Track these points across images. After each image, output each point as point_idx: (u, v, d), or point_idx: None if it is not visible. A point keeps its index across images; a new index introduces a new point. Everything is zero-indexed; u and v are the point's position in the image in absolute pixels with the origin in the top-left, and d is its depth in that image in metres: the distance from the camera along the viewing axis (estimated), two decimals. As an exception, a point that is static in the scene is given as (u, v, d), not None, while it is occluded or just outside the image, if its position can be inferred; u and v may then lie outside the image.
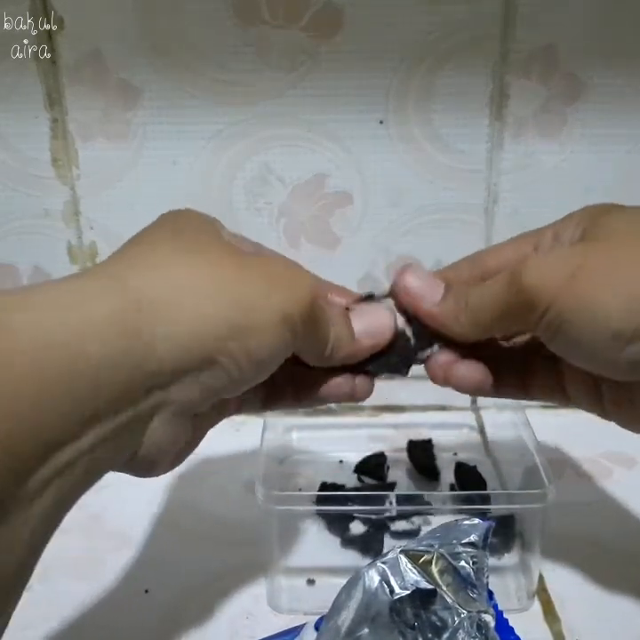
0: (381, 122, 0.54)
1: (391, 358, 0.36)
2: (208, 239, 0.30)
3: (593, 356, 0.31)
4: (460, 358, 0.35)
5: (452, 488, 0.51)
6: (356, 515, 0.46)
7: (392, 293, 0.36)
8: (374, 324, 0.35)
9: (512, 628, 0.33)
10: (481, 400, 0.60)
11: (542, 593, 0.43)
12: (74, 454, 0.23)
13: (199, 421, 0.30)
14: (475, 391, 0.36)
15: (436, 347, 0.36)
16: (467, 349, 0.36)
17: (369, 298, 0.37)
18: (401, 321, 0.36)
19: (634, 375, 0.31)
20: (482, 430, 0.58)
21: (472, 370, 0.35)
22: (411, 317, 0.36)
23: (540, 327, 0.31)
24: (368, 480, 0.52)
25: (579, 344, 0.30)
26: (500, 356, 0.37)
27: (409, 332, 0.36)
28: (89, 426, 0.24)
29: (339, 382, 0.35)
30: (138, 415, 0.26)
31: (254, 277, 0.29)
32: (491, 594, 0.33)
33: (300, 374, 0.35)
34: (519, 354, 0.37)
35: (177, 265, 0.28)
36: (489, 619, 0.31)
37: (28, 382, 0.22)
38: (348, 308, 0.35)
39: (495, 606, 0.33)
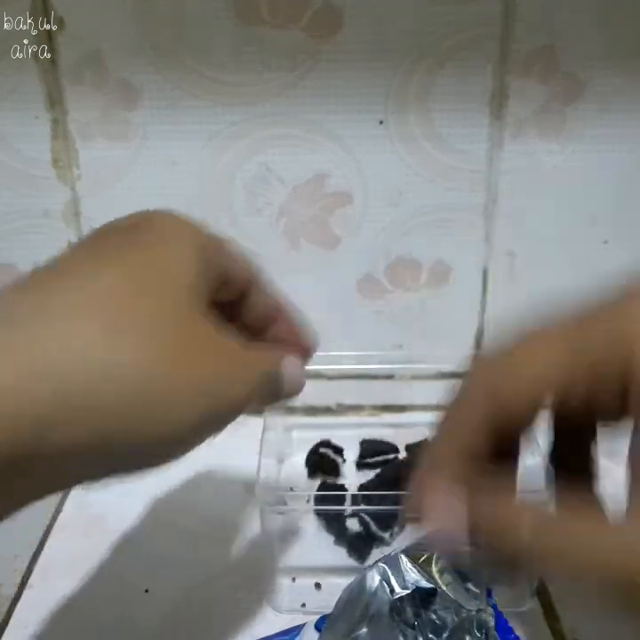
0: (381, 122, 0.54)
1: None
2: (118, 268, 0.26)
3: None
4: None
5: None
6: (354, 514, 0.46)
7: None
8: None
9: (511, 628, 0.33)
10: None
11: (542, 593, 0.43)
12: None
13: None
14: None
15: None
16: None
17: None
18: None
19: None
20: (482, 430, 0.58)
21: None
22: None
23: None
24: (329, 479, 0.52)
25: None
26: None
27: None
28: None
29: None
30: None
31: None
32: (490, 593, 0.33)
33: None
34: None
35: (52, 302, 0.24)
36: (489, 618, 0.31)
37: None
38: None
39: (494, 606, 0.33)
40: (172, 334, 0.24)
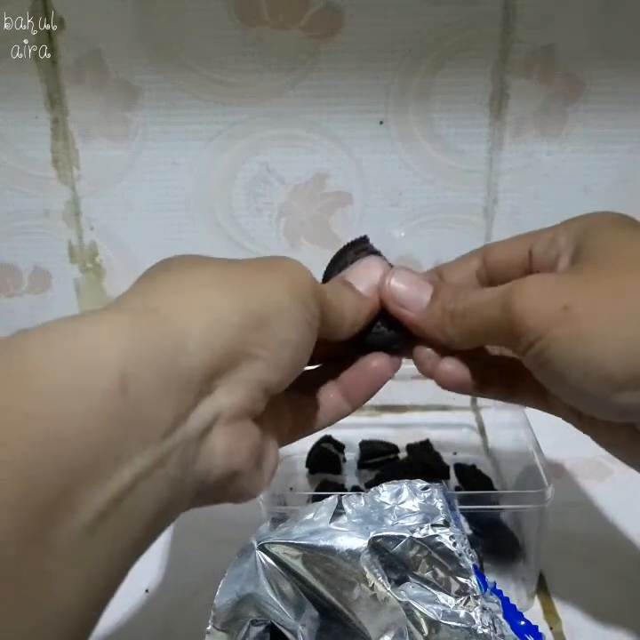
0: (381, 122, 0.54)
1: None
2: (208, 261, 0.30)
3: (580, 396, 0.29)
4: (445, 355, 0.35)
5: (457, 488, 0.51)
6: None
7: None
8: (372, 277, 0.35)
9: (521, 613, 0.33)
10: (481, 400, 0.60)
11: (542, 593, 0.43)
12: (125, 483, 0.22)
13: (265, 433, 0.30)
14: (457, 389, 0.36)
15: None
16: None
17: (362, 241, 0.37)
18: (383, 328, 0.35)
19: (621, 418, 0.30)
20: (482, 430, 0.58)
21: (456, 368, 0.35)
22: (394, 320, 0.35)
23: (526, 356, 0.30)
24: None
25: (565, 381, 0.29)
26: (486, 357, 0.36)
27: (391, 335, 0.35)
28: (134, 447, 0.22)
29: (378, 362, 0.35)
30: (193, 431, 0.25)
31: (257, 273, 0.29)
32: (494, 584, 0.33)
33: (341, 380, 0.35)
34: (506, 357, 0.36)
35: (183, 283, 0.28)
36: (496, 607, 0.31)
37: (38, 411, 0.20)
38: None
39: (500, 593, 0.33)
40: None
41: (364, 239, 0.38)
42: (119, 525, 0.22)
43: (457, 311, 0.33)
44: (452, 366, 0.35)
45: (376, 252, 0.37)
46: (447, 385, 0.35)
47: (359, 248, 0.37)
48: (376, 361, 0.35)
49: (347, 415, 0.36)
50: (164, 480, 0.23)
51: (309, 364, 0.32)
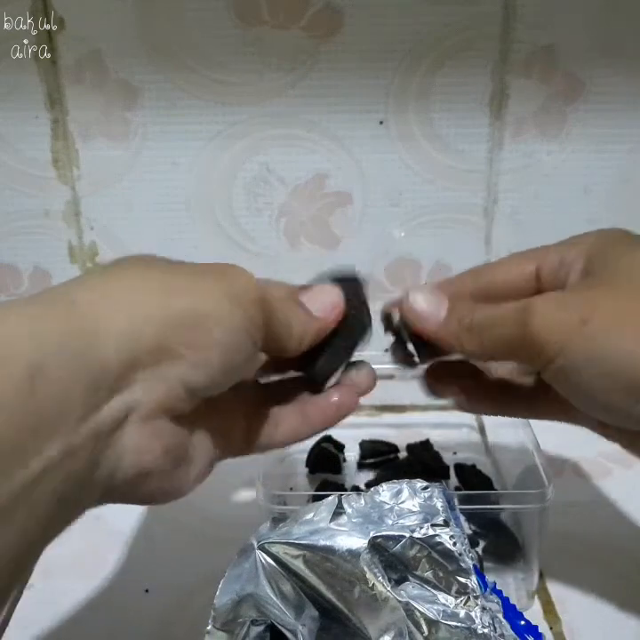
0: (381, 122, 0.54)
1: (352, 329, 0.35)
2: (142, 257, 0.30)
3: (602, 406, 0.30)
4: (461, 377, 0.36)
5: (457, 488, 0.51)
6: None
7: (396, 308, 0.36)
8: (325, 301, 0.34)
9: (521, 613, 0.33)
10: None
11: (542, 593, 0.43)
12: (32, 476, 0.22)
13: (198, 439, 0.30)
14: (478, 411, 0.37)
15: None
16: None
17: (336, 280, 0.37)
18: (410, 346, 0.36)
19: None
20: (482, 430, 0.58)
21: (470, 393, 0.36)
22: (412, 334, 0.36)
23: (546, 371, 0.30)
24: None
25: (587, 394, 0.30)
26: (503, 379, 0.37)
27: (412, 349, 0.36)
28: (42, 438, 0.22)
29: (342, 392, 0.36)
30: (103, 425, 0.25)
31: (193, 273, 0.29)
32: (494, 584, 0.33)
33: (301, 403, 0.35)
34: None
35: (108, 275, 0.27)
36: (496, 607, 0.31)
37: None
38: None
39: (500, 593, 0.33)
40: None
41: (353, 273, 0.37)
42: (24, 517, 0.22)
43: (473, 325, 0.33)
44: (464, 388, 0.36)
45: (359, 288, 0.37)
46: (466, 408, 0.36)
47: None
48: (338, 394, 0.35)
49: (305, 439, 0.35)
50: (71, 473, 0.23)
51: (270, 374, 0.33)
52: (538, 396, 0.36)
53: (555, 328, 0.29)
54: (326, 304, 0.34)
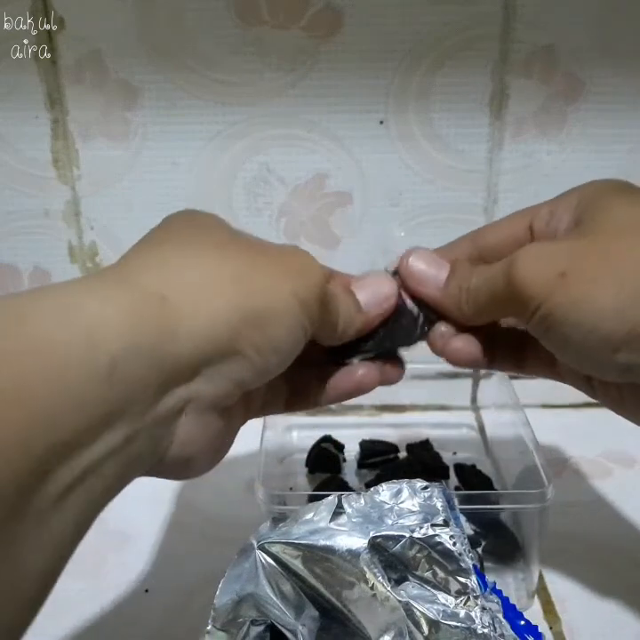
0: (381, 122, 0.54)
1: (396, 331, 0.36)
2: (215, 234, 0.30)
3: (582, 357, 0.30)
4: (458, 332, 0.36)
5: (457, 488, 0.51)
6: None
7: (398, 272, 0.36)
8: (377, 293, 0.35)
9: (521, 613, 0.33)
10: (481, 400, 0.60)
11: (542, 593, 0.43)
12: (96, 458, 0.23)
13: (229, 418, 0.30)
14: (469, 364, 0.37)
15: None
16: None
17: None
18: (409, 302, 0.36)
19: (623, 378, 0.30)
20: (482, 430, 0.58)
21: (468, 344, 0.35)
22: (415, 297, 0.36)
23: (531, 323, 0.31)
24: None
25: (567, 345, 0.30)
26: (497, 330, 0.37)
27: (415, 311, 0.36)
28: (111, 425, 0.23)
29: (368, 370, 0.35)
30: (164, 413, 0.25)
31: (265, 266, 0.29)
32: (494, 584, 0.33)
33: (322, 371, 0.36)
34: (516, 330, 0.37)
35: (187, 261, 0.28)
36: (496, 607, 0.31)
37: (37, 383, 0.21)
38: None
39: (499, 593, 0.33)
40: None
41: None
42: (82, 498, 0.22)
43: (472, 285, 0.33)
44: (461, 343, 0.35)
45: None
46: (457, 361, 0.36)
47: None
48: (363, 369, 0.35)
49: (314, 408, 0.36)
50: (129, 458, 0.24)
51: None
52: (525, 351, 0.36)
53: (535, 281, 0.30)
54: (379, 296, 0.35)
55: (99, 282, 0.26)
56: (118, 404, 0.23)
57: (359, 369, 0.36)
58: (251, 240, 0.32)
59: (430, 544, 0.30)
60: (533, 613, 0.41)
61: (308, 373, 0.35)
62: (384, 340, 0.36)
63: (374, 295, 0.35)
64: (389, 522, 0.31)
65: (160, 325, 0.25)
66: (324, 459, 0.54)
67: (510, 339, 0.36)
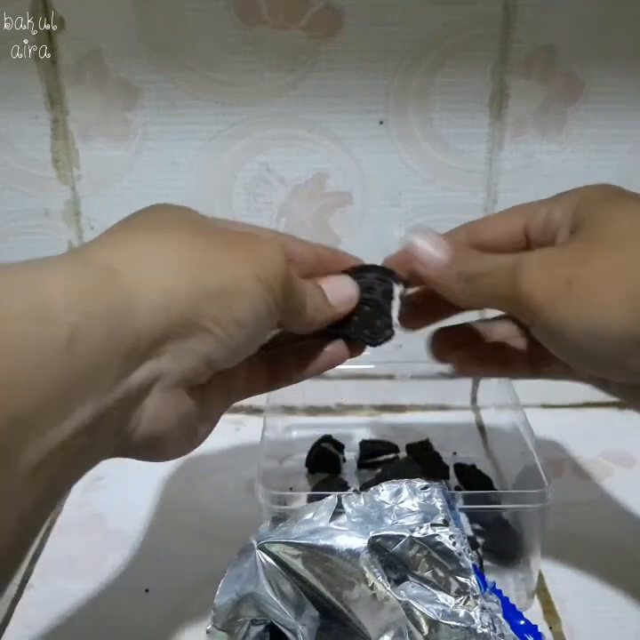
0: (381, 122, 0.54)
1: (363, 321, 0.37)
2: (179, 218, 0.31)
3: (591, 363, 0.30)
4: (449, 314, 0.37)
5: (457, 488, 0.51)
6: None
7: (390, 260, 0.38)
8: (341, 292, 0.36)
9: (521, 613, 0.33)
10: (481, 400, 0.60)
11: (542, 593, 0.43)
12: (65, 436, 0.23)
13: (205, 401, 0.30)
14: (481, 375, 0.38)
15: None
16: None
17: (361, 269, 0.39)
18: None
19: (636, 379, 0.30)
20: (482, 430, 0.58)
21: (472, 358, 0.37)
22: (409, 279, 0.37)
23: (536, 328, 0.31)
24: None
25: (578, 351, 0.30)
26: (506, 338, 0.38)
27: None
28: (78, 401, 0.23)
29: (336, 348, 0.37)
30: (133, 388, 0.26)
31: (224, 245, 0.30)
32: (494, 583, 0.33)
33: (297, 349, 0.36)
34: (526, 336, 0.37)
35: (146, 240, 0.28)
36: (496, 607, 0.31)
37: None
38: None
39: (499, 592, 0.33)
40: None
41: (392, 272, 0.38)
42: (54, 473, 0.23)
43: (469, 274, 0.33)
44: (467, 354, 0.37)
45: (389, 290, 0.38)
46: (465, 372, 0.37)
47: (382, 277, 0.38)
48: (334, 346, 0.37)
49: (294, 383, 0.37)
50: (98, 434, 0.24)
51: None
52: (538, 356, 0.36)
53: (542, 288, 0.30)
54: (342, 295, 0.36)
55: (56, 260, 0.27)
56: (82, 378, 0.23)
57: (329, 345, 0.37)
58: (216, 226, 0.32)
59: (430, 544, 0.30)
60: (533, 613, 0.41)
61: (284, 351, 0.36)
62: (361, 328, 0.37)
63: (340, 294, 0.36)
64: (389, 522, 0.31)
65: (115, 296, 0.25)
66: (324, 459, 0.54)
67: (523, 345, 0.37)
